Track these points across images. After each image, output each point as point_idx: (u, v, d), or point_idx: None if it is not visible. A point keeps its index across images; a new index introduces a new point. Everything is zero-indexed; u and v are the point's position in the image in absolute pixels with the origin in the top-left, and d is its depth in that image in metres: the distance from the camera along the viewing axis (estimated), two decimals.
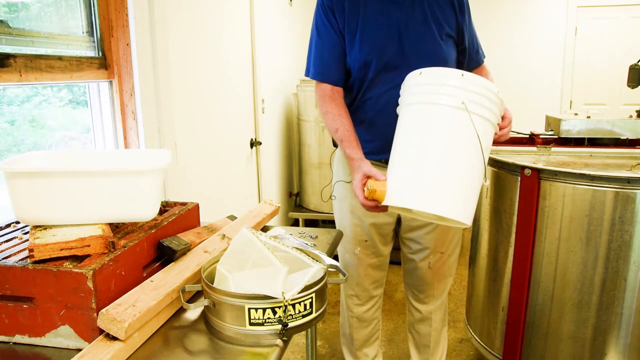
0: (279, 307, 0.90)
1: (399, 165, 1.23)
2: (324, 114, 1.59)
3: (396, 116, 1.34)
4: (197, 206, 1.30)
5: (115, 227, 1.09)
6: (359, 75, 1.55)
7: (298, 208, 3.57)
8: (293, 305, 0.91)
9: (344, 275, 1.09)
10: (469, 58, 1.62)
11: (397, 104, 1.35)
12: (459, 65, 1.64)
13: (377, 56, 1.50)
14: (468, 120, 1.14)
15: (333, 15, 1.53)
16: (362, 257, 1.76)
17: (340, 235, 1.54)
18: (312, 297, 0.94)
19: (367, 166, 1.38)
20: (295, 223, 3.53)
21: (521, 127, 2.22)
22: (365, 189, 1.29)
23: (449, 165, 1.16)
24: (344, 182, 1.72)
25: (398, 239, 1.83)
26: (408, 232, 1.75)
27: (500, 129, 1.29)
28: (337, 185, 1.75)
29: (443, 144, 1.18)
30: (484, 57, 1.68)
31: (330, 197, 1.82)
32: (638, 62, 2.09)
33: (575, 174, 1.55)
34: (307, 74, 1.63)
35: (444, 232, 1.71)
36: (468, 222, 1.20)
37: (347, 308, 1.89)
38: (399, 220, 1.76)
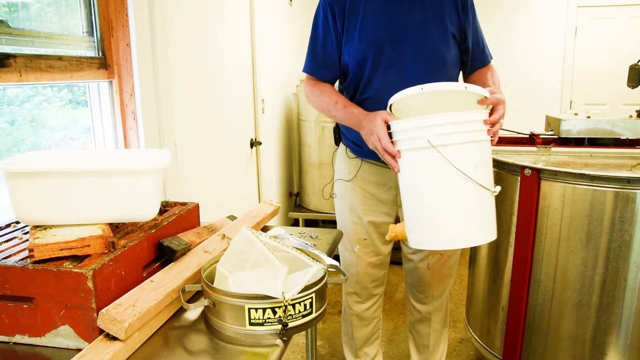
0: (279, 307, 0.90)
1: (409, 212, 1.29)
2: (318, 96, 1.61)
3: None
4: (197, 206, 1.30)
5: (115, 227, 1.09)
6: (356, 72, 1.56)
7: (298, 208, 3.57)
8: (293, 305, 0.91)
9: (344, 275, 1.09)
10: (472, 58, 1.61)
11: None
12: (462, 65, 1.64)
13: (374, 53, 1.51)
14: (446, 153, 1.16)
15: (332, 14, 1.54)
16: (361, 255, 1.76)
17: (340, 235, 1.54)
18: (312, 297, 0.94)
19: (380, 115, 1.33)
20: (295, 223, 3.53)
21: (521, 127, 2.22)
22: (388, 233, 1.38)
23: (450, 202, 1.20)
24: (344, 181, 1.73)
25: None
26: None
27: (492, 124, 1.24)
28: (337, 183, 1.76)
29: (436, 186, 1.21)
30: (491, 57, 1.66)
31: (332, 195, 1.83)
32: (638, 62, 2.09)
33: (575, 174, 1.55)
34: (303, 69, 1.66)
35: None
36: (489, 238, 1.25)
37: (347, 306, 1.90)
38: (397, 220, 1.76)
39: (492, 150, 1.89)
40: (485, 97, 1.22)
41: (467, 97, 1.22)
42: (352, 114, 1.48)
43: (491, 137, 1.24)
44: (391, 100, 1.26)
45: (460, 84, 1.20)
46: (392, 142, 1.28)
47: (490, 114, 1.24)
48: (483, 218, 1.22)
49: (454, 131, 1.17)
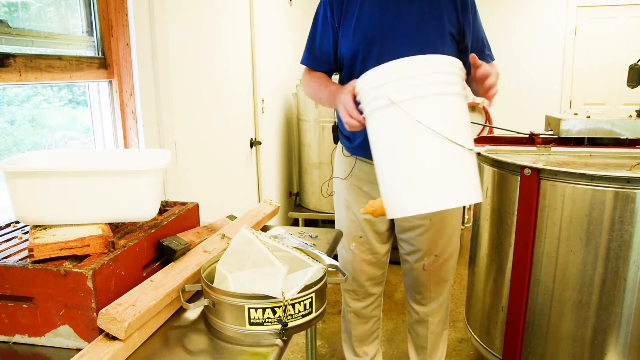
0: (279, 307, 0.90)
1: (382, 180, 1.19)
2: (309, 82, 1.63)
3: None
4: (197, 206, 1.30)
5: (115, 227, 1.09)
6: (350, 66, 1.58)
7: (298, 208, 3.57)
8: (293, 305, 0.91)
9: (344, 275, 1.09)
10: None
11: None
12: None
13: (367, 48, 1.52)
14: (410, 109, 1.06)
15: (331, 9, 1.56)
16: (357, 252, 1.77)
17: (340, 235, 1.54)
18: (312, 297, 0.94)
19: (351, 85, 1.30)
20: (295, 223, 3.53)
21: (521, 127, 2.22)
22: (369, 209, 1.32)
23: (423, 161, 1.09)
24: (340, 179, 1.74)
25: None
26: (401, 232, 1.76)
27: (485, 86, 1.22)
28: (335, 181, 1.79)
29: (405, 145, 1.11)
30: (492, 59, 1.65)
31: (331, 194, 1.84)
32: (638, 62, 2.09)
33: (575, 174, 1.55)
34: (301, 61, 1.68)
35: (437, 235, 1.71)
36: (471, 199, 1.12)
37: (345, 303, 1.91)
38: (393, 221, 1.77)
39: (492, 150, 1.91)
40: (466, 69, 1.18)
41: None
42: (330, 92, 1.49)
43: (489, 102, 1.21)
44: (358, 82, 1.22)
45: (420, 58, 1.10)
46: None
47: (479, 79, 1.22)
48: (461, 177, 1.11)
49: (416, 84, 1.08)
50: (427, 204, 1.12)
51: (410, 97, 1.08)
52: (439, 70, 1.11)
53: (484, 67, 1.24)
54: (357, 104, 1.25)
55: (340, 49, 1.58)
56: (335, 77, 1.71)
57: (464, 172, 1.11)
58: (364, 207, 1.69)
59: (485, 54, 1.64)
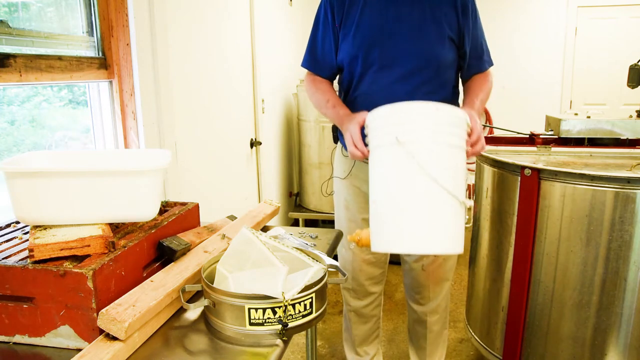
0: (279, 307, 0.90)
1: (373, 212, 1.22)
2: (314, 92, 1.64)
3: None
4: (197, 206, 1.30)
5: (115, 227, 1.09)
6: (349, 69, 1.58)
7: (298, 208, 3.57)
8: (293, 305, 0.91)
9: (344, 275, 1.09)
10: (468, 63, 1.60)
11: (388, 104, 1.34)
12: (459, 69, 1.63)
13: (366, 51, 1.52)
14: (416, 156, 1.11)
15: (332, 11, 1.56)
16: (356, 252, 1.78)
17: (340, 234, 1.54)
18: (312, 297, 0.94)
19: (361, 116, 1.32)
20: (295, 223, 3.53)
21: (521, 127, 2.22)
22: (355, 237, 1.31)
23: (411, 204, 1.13)
24: (339, 179, 1.74)
25: None
26: None
27: (471, 145, 1.24)
28: (334, 180, 1.79)
29: (400, 184, 1.14)
30: (490, 65, 1.64)
31: (330, 193, 1.85)
32: (638, 62, 2.09)
33: (575, 174, 1.55)
34: (302, 63, 1.69)
35: None
36: (451, 249, 1.16)
37: (345, 302, 1.92)
38: None
39: (492, 151, 1.91)
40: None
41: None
42: (337, 114, 1.51)
43: (468, 160, 1.22)
44: (368, 117, 1.25)
45: (432, 106, 1.14)
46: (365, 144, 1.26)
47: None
48: (449, 227, 1.14)
49: (424, 130, 1.12)
50: (411, 246, 1.16)
51: (416, 141, 1.12)
52: (448, 121, 1.15)
53: (475, 131, 1.23)
54: (363, 134, 1.29)
55: (339, 52, 1.58)
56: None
57: (453, 223, 1.15)
58: (362, 207, 1.70)
59: (483, 60, 1.63)
